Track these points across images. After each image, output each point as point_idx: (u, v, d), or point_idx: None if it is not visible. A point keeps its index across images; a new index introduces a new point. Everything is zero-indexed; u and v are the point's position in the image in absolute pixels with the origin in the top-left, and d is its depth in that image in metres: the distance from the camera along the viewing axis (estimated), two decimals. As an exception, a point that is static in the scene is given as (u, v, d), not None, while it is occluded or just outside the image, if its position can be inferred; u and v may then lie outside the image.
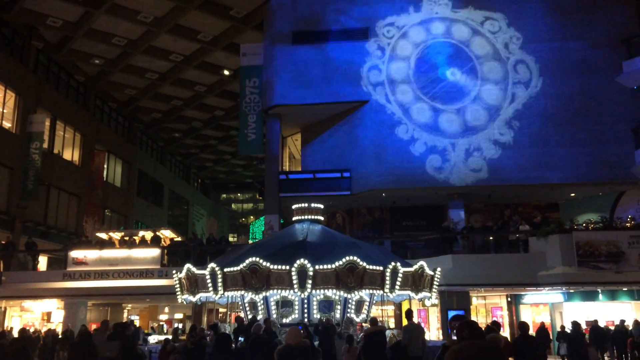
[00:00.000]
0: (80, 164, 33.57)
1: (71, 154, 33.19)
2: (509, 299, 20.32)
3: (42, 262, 25.31)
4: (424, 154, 22.67)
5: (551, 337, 18.51)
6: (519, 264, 18.53)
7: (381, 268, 13.40)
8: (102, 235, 23.43)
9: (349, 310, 14.76)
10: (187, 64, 32.79)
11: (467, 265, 18.58)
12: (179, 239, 24.68)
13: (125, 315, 24.45)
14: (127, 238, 22.94)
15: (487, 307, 20.92)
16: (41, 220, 29.36)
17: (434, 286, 15.07)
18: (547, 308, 20.22)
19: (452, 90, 23.25)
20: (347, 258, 13.11)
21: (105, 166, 35.83)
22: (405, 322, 11.82)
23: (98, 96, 36.75)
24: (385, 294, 13.72)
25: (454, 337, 10.74)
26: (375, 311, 17.60)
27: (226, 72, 34.16)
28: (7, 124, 27.73)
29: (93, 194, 33.44)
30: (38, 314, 22.42)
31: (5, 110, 27.71)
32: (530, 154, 22.25)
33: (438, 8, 24.07)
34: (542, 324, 17.92)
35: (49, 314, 22.11)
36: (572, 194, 24.15)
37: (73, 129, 33.28)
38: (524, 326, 9.42)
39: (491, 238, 20.90)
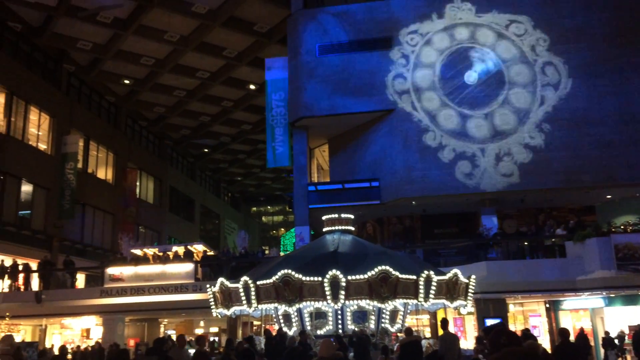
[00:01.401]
0: (113, 182, 34.29)
1: (105, 173, 33.95)
2: (547, 305, 19.88)
3: (80, 280, 25.85)
4: (453, 161, 22.46)
5: (592, 344, 18.02)
6: (555, 269, 18.14)
7: (414, 277, 13.29)
8: (137, 252, 23.81)
9: (383, 320, 14.66)
10: (213, 80, 33.30)
11: (502, 272, 18.27)
12: (212, 253, 24.91)
13: (161, 330, 24.73)
14: (161, 254, 23.26)
15: (524, 314, 20.50)
16: (78, 239, 30.04)
17: (469, 294, 14.87)
18: (588, 313, 19.71)
19: (479, 96, 23.04)
20: (380, 268, 13.04)
21: (137, 183, 36.52)
22: (440, 331, 11.67)
23: (129, 115, 37.55)
24: (419, 303, 13.59)
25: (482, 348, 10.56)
26: (410, 321, 17.45)
27: (252, 87, 34.56)
28: (42, 146, 28.53)
29: (127, 211, 34.08)
30: (77, 331, 22.86)
31: (40, 133, 28.54)
32: (562, 156, 21.85)
33: (461, 14, 23.94)
34: (582, 330, 17.46)
35: (88, 331, 22.52)
36: (608, 196, 23.59)
37: (106, 148, 34.06)
38: (565, 333, 9.18)
39: (526, 243, 20.53)
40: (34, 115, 27.97)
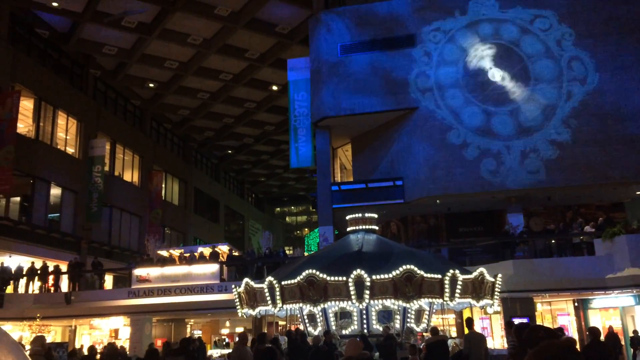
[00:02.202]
0: (139, 184, 34.78)
1: (131, 176, 34.45)
2: (575, 304, 19.53)
3: (108, 281, 26.28)
4: (477, 158, 22.22)
5: (622, 343, 17.64)
6: (584, 267, 17.80)
7: (439, 276, 13.17)
8: (163, 253, 24.11)
9: (408, 319, 14.58)
10: (236, 82, 33.54)
11: (529, 271, 18.01)
12: (237, 253, 25.10)
13: (188, 330, 24.99)
14: (187, 255, 23.52)
15: (552, 313, 20.16)
16: (105, 241, 30.56)
17: (496, 293, 14.69)
18: (618, 312, 19.30)
19: (503, 92, 22.75)
20: (404, 267, 12.96)
21: (163, 185, 36.97)
22: (466, 330, 11.55)
23: (153, 118, 38.04)
24: (445, 302, 13.47)
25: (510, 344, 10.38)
26: (436, 320, 17.31)
27: (274, 88, 34.71)
28: (70, 150, 29.08)
29: (153, 213, 34.53)
30: (106, 331, 23.23)
31: (68, 137, 29.10)
32: (590, 152, 21.44)
33: (485, 10, 23.67)
34: (611, 329, 17.10)
35: (116, 331, 22.88)
36: (638, 192, 23.07)
37: (132, 151, 34.56)
38: (595, 332, 8.99)
39: (553, 241, 20.19)
40: (61, 119, 28.53)
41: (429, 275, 13.08)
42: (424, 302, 14.18)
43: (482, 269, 14.15)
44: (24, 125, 26.34)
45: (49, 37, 28.23)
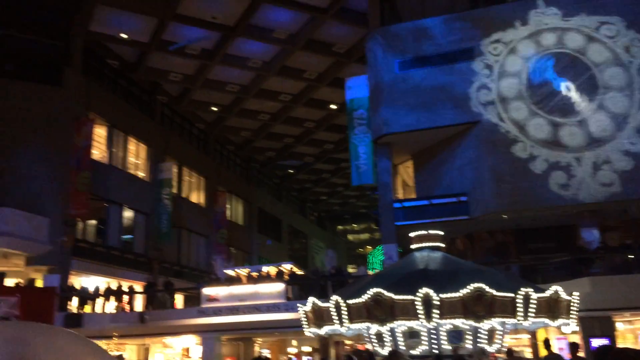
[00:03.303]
0: (205, 205, 35.81)
1: (197, 197, 35.57)
2: (659, 323, 18.42)
3: (179, 300, 27.07)
4: (545, 172, 21.48)
5: None
6: (668, 284, 16.78)
7: (511, 295, 12.76)
8: (230, 272, 24.61)
9: (480, 340, 14.17)
10: (295, 103, 34.12)
11: (607, 288, 17.13)
12: (301, 272, 25.29)
13: (256, 349, 25.29)
14: (253, 274, 23.91)
15: (634, 333, 19.07)
16: (175, 261, 31.55)
17: (573, 312, 14.06)
18: None
19: (570, 102, 21.97)
20: (474, 285, 12.64)
21: (227, 206, 37.88)
22: (543, 352, 11.12)
23: (217, 141, 39.20)
24: (518, 322, 13.02)
25: None
26: (510, 340, 16.75)
27: (333, 107, 35.04)
28: (140, 174, 30.39)
29: (219, 233, 35.39)
30: (179, 350, 23.86)
31: (139, 162, 30.43)
32: (668, 162, 20.30)
33: (547, 19, 23.04)
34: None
35: (188, 350, 23.46)
36: None
37: (197, 173, 35.71)
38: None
39: (632, 257, 19.16)
40: (132, 145, 29.90)
41: (500, 293, 12.69)
42: (495, 322, 13.77)
43: (557, 287, 13.59)
44: (98, 151, 27.77)
45: (119, 67, 29.77)
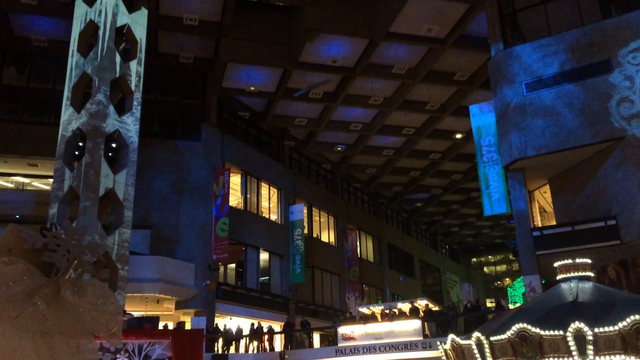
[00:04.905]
0: (335, 244, 36.36)
1: (327, 236, 36.25)
2: None
3: (315, 339, 27.45)
4: None
5: None
6: None
7: (680, 328, 11.31)
8: (364, 310, 24.54)
9: (646, 379, 12.66)
10: (419, 135, 33.87)
11: None
12: (436, 308, 24.53)
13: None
14: (387, 311, 23.62)
15: None
16: (310, 300, 32.20)
17: None
18: None
19: None
20: (633, 317, 11.40)
21: (357, 243, 38.13)
22: None
23: (343, 179, 39.94)
24: (690, 358, 11.46)
25: None
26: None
27: (458, 136, 34.27)
28: (273, 217, 31.74)
29: (351, 270, 35.65)
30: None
31: (271, 205, 31.86)
32: None
33: (693, 18, 20.86)
34: None
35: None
36: None
37: (326, 213, 36.50)
38: None
39: None
40: (264, 190, 31.44)
41: (665, 326, 11.31)
42: (663, 359, 12.25)
43: None
44: (234, 198, 29.54)
45: (249, 117, 31.73)
